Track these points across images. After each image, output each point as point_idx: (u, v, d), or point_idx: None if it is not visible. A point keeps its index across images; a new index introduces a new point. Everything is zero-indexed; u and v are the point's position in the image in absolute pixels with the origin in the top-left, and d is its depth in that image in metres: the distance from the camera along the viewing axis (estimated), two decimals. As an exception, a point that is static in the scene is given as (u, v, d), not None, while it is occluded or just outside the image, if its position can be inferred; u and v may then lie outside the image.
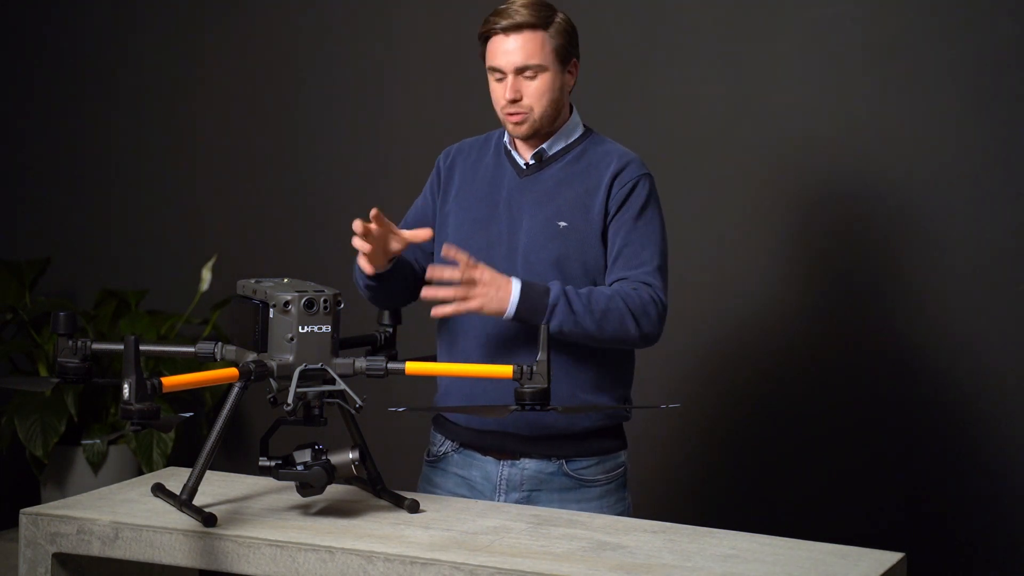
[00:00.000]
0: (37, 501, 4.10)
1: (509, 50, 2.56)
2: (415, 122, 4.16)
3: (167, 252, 4.53)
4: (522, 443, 2.62)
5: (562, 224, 2.59)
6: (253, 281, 2.42)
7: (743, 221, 3.75)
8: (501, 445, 2.64)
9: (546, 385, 2.31)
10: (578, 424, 2.63)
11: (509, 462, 2.64)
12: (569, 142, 2.66)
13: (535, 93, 2.58)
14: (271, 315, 2.33)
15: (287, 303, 2.32)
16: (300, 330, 2.32)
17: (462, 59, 4.05)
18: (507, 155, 2.68)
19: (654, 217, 2.62)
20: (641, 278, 2.56)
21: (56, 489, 4.16)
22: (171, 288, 4.44)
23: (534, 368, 2.32)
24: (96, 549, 2.31)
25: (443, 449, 2.71)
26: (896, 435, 3.61)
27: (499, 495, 2.63)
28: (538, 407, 2.32)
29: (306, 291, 2.33)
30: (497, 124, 2.72)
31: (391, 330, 2.67)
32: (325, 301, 2.33)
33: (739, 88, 3.74)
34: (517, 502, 2.61)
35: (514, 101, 2.58)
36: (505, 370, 2.36)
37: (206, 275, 4.27)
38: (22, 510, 2.37)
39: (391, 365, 2.38)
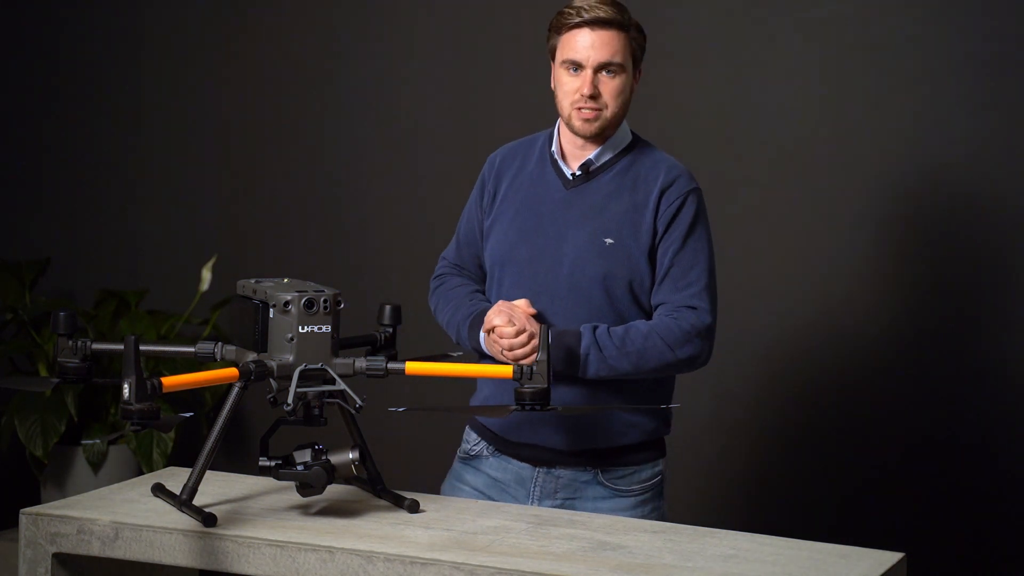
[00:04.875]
0: (37, 501, 4.10)
1: (595, 44, 2.52)
2: (416, 123, 4.16)
3: (167, 252, 4.53)
4: (558, 454, 2.61)
5: (608, 241, 2.55)
6: (253, 281, 2.42)
7: (742, 221, 3.75)
8: (536, 455, 2.63)
9: (546, 385, 2.31)
10: (618, 442, 2.61)
11: (545, 469, 2.63)
12: (617, 152, 2.62)
13: (612, 92, 2.55)
14: (271, 315, 2.33)
15: (287, 303, 2.31)
16: (300, 330, 2.32)
17: (465, 64, 4.05)
18: (553, 164, 2.63)
19: (702, 234, 2.58)
20: (686, 302, 2.54)
21: (56, 489, 4.15)
22: (171, 288, 4.44)
23: (534, 368, 2.32)
24: (96, 549, 2.31)
25: (478, 448, 2.70)
26: (896, 435, 3.61)
27: (532, 501, 2.62)
28: (538, 407, 2.32)
29: (306, 291, 2.33)
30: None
31: (391, 330, 2.66)
32: (325, 301, 2.33)
33: (739, 89, 3.74)
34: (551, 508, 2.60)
35: (592, 97, 2.54)
36: (505, 370, 2.35)
37: (206, 275, 4.27)
38: (22, 510, 2.37)
39: (391, 365, 2.38)
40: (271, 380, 2.32)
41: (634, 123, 3.79)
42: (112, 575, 2.44)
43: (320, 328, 2.33)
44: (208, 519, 2.27)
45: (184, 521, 2.30)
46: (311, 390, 2.31)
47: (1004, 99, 3.48)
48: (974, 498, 3.54)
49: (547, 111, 2.75)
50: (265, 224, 4.39)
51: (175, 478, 2.52)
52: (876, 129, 3.61)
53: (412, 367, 2.40)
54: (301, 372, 2.30)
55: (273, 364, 2.31)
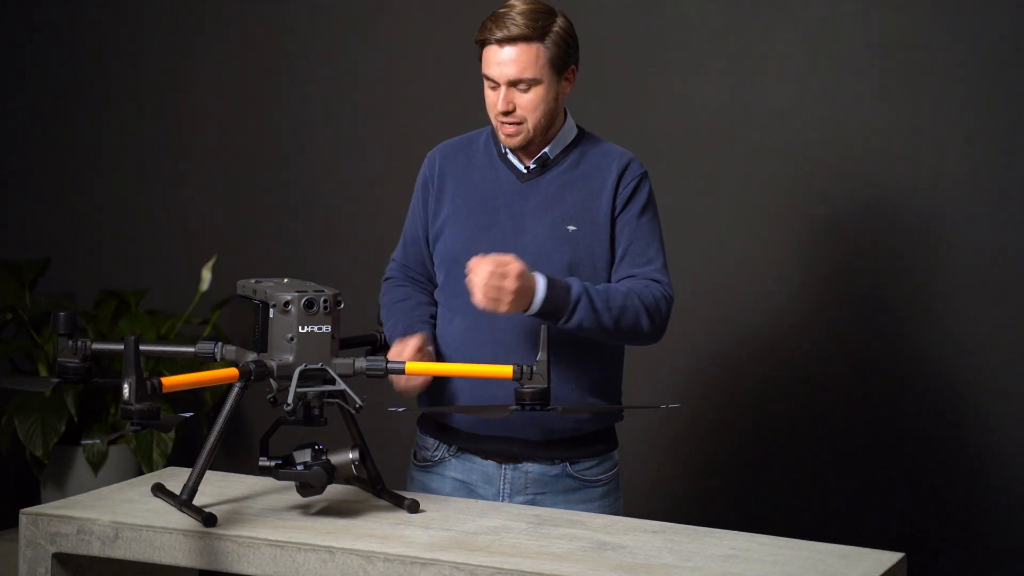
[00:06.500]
0: (37, 501, 4.10)
1: (503, 62, 2.53)
2: (415, 121, 4.16)
3: (167, 252, 4.53)
4: (527, 447, 2.61)
5: (571, 228, 2.58)
6: (253, 281, 2.42)
7: (743, 221, 3.75)
8: (504, 449, 2.62)
9: (546, 385, 2.31)
10: (584, 427, 2.62)
11: (512, 465, 2.62)
12: (566, 144, 2.65)
13: (528, 105, 2.56)
14: (271, 315, 2.33)
15: (287, 303, 2.32)
16: (300, 330, 2.32)
17: (462, 58, 4.05)
18: (503, 159, 2.65)
19: (655, 214, 2.64)
20: (650, 275, 2.58)
21: (56, 489, 4.16)
22: (171, 288, 4.44)
23: (534, 368, 2.33)
24: (96, 549, 2.32)
25: (438, 453, 2.68)
26: (896, 435, 3.61)
27: (502, 499, 2.62)
28: (538, 407, 2.32)
29: (306, 291, 2.33)
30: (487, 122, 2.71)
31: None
32: (325, 301, 2.34)
33: (739, 88, 3.74)
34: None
35: (507, 112, 2.56)
36: (505, 370, 2.36)
37: (206, 275, 4.27)
38: (22, 510, 2.38)
39: (391, 365, 2.38)
40: (271, 380, 2.32)
41: (633, 121, 3.80)
42: (112, 575, 2.45)
43: (320, 328, 2.33)
44: (208, 519, 2.27)
45: (184, 521, 2.30)
46: (311, 390, 2.31)
47: (1003, 100, 3.48)
48: (974, 498, 3.54)
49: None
50: (265, 224, 4.39)
51: (175, 478, 2.52)
52: (875, 129, 3.61)
53: (412, 367, 2.40)
54: (301, 372, 2.30)
55: (273, 364, 2.31)
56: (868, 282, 3.63)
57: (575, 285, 2.49)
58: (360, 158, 4.26)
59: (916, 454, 3.59)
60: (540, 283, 2.45)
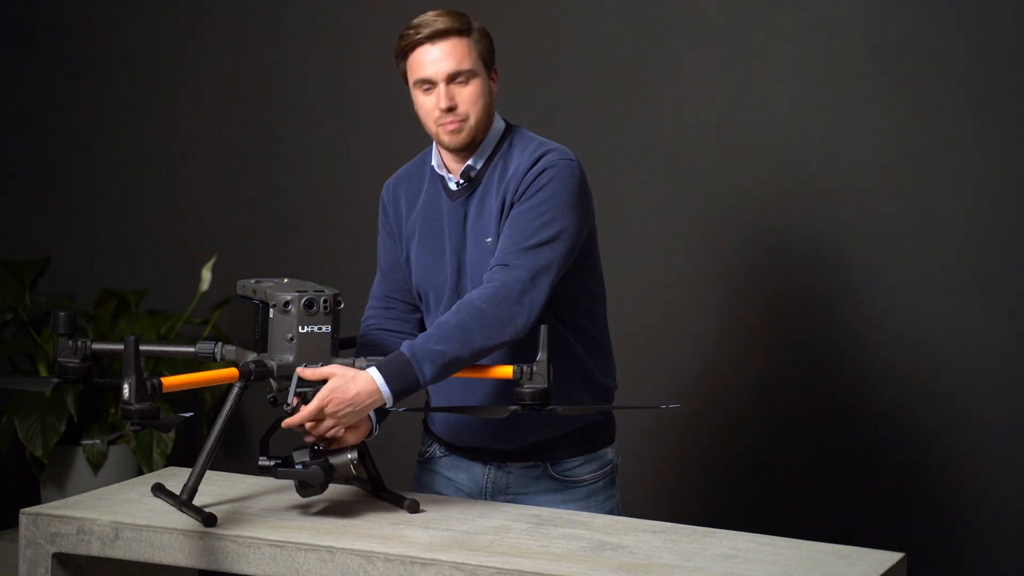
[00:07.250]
0: (37, 501, 4.10)
1: (438, 58, 2.49)
2: (415, 121, 4.15)
3: (167, 252, 4.53)
4: (509, 452, 2.60)
5: (488, 240, 2.52)
6: (253, 281, 2.42)
7: (741, 220, 3.74)
8: (486, 453, 2.61)
9: (546, 385, 2.31)
10: (559, 430, 2.58)
11: (495, 465, 2.62)
12: (491, 150, 2.57)
13: (469, 99, 2.51)
14: (271, 315, 2.33)
15: (287, 303, 2.32)
16: (300, 330, 2.32)
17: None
18: (441, 180, 2.61)
19: (554, 202, 2.47)
20: (498, 261, 2.44)
21: (56, 489, 4.16)
22: (171, 288, 4.44)
23: (534, 368, 2.33)
24: (96, 549, 2.32)
25: (431, 451, 2.70)
26: (896, 435, 3.61)
27: (485, 497, 2.61)
28: (538, 407, 2.32)
29: (306, 291, 2.34)
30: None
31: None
32: (325, 301, 2.34)
33: (735, 88, 3.73)
34: None
35: (450, 109, 2.50)
36: (505, 370, 2.36)
37: (206, 275, 4.27)
38: (22, 510, 2.38)
39: (391, 365, 2.37)
40: (271, 380, 2.32)
41: (633, 121, 3.80)
42: (112, 575, 2.45)
43: (320, 328, 2.33)
44: (208, 519, 2.27)
45: (184, 521, 2.30)
46: (311, 390, 2.31)
47: (1004, 100, 3.47)
48: (974, 498, 3.54)
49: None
50: (265, 224, 4.39)
51: (175, 478, 2.52)
52: (874, 129, 3.61)
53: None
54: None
55: (273, 364, 2.32)
56: (872, 279, 3.63)
57: (404, 347, 2.36)
58: (360, 158, 4.26)
59: (916, 454, 3.59)
60: (375, 375, 2.32)
